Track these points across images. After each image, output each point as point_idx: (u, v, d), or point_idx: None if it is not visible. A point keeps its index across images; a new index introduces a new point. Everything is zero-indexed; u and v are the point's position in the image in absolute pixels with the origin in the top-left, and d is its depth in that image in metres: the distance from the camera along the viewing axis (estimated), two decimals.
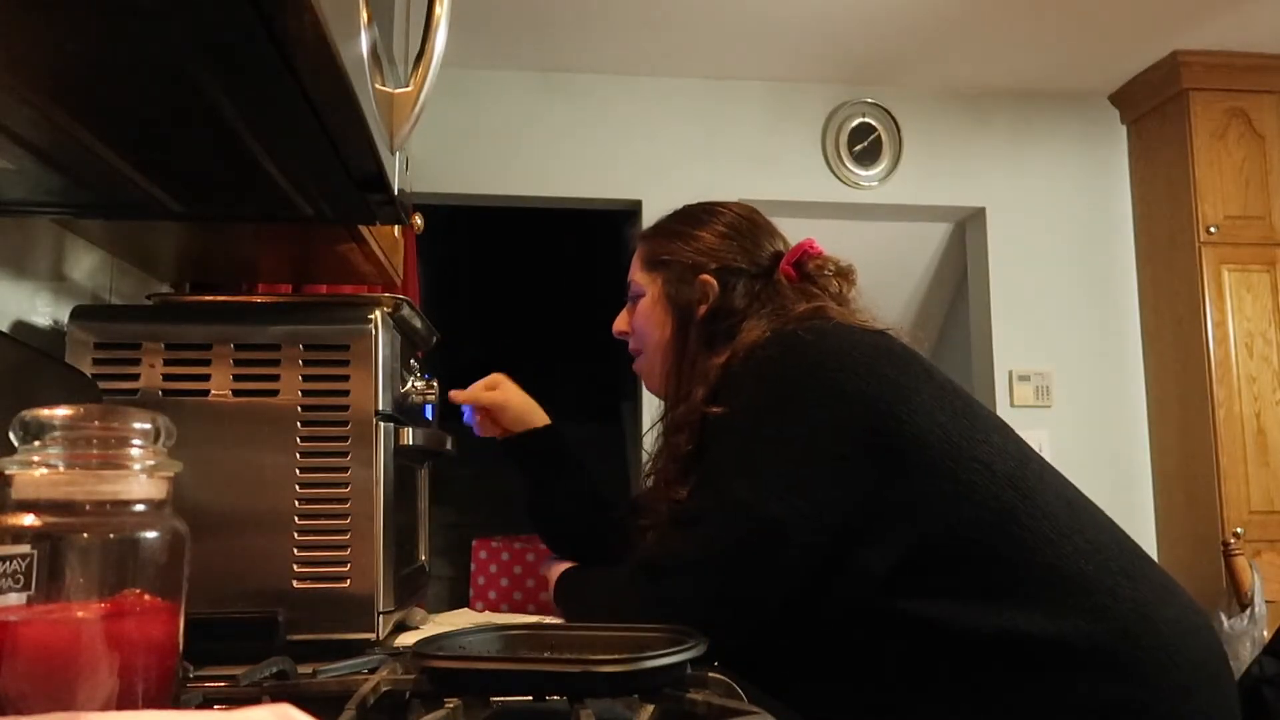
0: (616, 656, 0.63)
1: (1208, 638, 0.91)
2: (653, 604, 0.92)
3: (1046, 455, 1.06)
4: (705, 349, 1.10)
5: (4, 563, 0.47)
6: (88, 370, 1.04)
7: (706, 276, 1.14)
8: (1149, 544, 3.53)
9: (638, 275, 1.22)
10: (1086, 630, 0.85)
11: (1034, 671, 0.85)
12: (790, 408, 0.94)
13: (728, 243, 1.17)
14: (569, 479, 1.41)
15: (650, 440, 1.23)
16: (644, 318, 1.20)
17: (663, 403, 1.20)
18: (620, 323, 1.26)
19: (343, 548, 1.04)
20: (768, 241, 1.18)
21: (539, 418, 1.40)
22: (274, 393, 1.07)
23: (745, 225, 1.19)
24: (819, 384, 0.94)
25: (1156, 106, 3.55)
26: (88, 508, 0.50)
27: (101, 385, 1.02)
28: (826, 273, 1.14)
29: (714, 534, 0.93)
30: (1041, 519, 0.90)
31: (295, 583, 1.03)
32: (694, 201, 1.25)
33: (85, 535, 0.49)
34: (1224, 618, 2.74)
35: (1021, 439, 1.01)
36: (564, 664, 0.64)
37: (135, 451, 0.52)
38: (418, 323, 1.28)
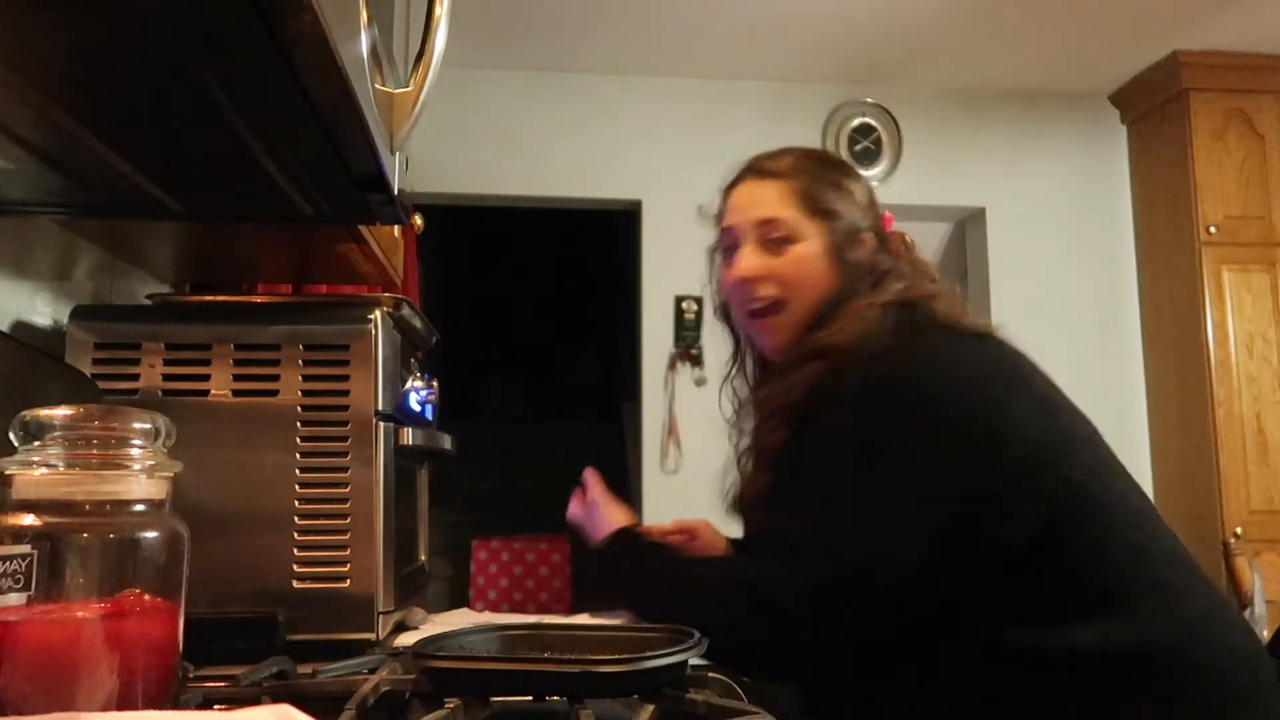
0: (616, 656, 0.63)
1: (1267, 670, 0.90)
2: (755, 629, 0.91)
3: None
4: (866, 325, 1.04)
5: (4, 563, 0.47)
6: (88, 370, 1.04)
7: (866, 237, 1.08)
8: None
9: (790, 215, 1.07)
10: (1143, 650, 0.85)
11: (1090, 687, 0.85)
12: (891, 441, 0.92)
13: (871, 203, 1.11)
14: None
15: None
16: (806, 265, 1.06)
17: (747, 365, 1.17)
18: (755, 265, 1.08)
19: (343, 548, 1.04)
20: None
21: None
22: (274, 393, 1.07)
23: (868, 187, 1.14)
24: (920, 419, 0.92)
25: (1156, 106, 3.55)
26: (88, 508, 0.50)
27: (101, 385, 1.02)
28: (906, 243, 1.13)
29: (816, 567, 0.90)
30: (1111, 534, 0.90)
31: (295, 583, 1.03)
32: (805, 147, 1.16)
33: (85, 535, 0.49)
34: None
35: (1106, 448, 1.00)
36: (564, 664, 0.64)
37: (135, 451, 0.52)
38: (418, 323, 1.28)
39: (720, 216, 1.15)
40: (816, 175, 1.10)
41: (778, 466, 1.00)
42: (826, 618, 0.90)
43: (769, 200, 1.08)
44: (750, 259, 1.07)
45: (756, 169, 1.13)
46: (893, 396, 0.93)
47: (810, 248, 1.06)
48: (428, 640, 0.71)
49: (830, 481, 0.93)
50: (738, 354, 1.21)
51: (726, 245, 1.12)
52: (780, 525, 0.96)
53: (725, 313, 1.20)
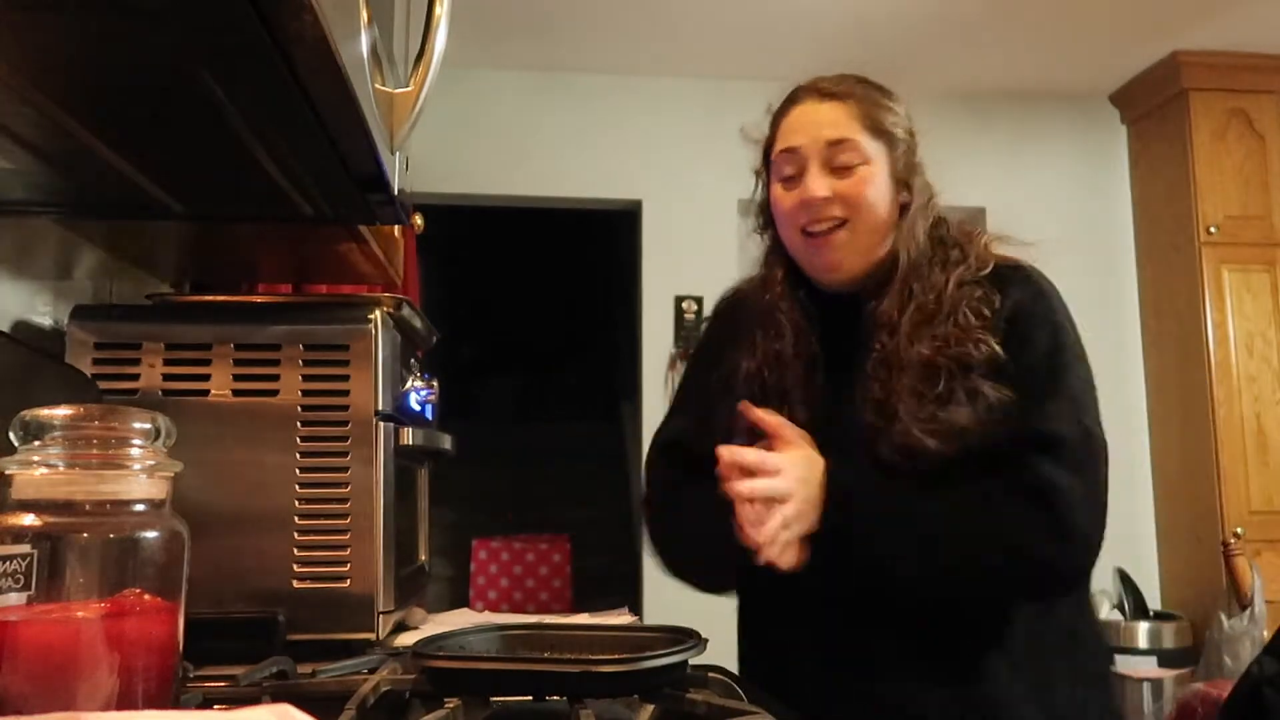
0: (616, 656, 0.63)
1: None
2: (1064, 536, 0.95)
3: None
4: (923, 238, 1.08)
5: (4, 563, 0.47)
6: (88, 370, 1.04)
7: (918, 161, 1.12)
8: (1149, 544, 3.53)
9: (857, 135, 1.06)
10: None
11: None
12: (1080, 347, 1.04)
13: (912, 130, 1.13)
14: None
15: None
16: (872, 187, 1.06)
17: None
18: (822, 186, 1.06)
19: (343, 548, 1.04)
20: None
21: None
22: (274, 393, 1.07)
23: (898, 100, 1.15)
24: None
25: (1156, 106, 3.55)
26: (88, 508, 0.50)
27: (101, 385, 1.02)
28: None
29: (1091, 461, 0.98)
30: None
31: (295, 583, 1.03)
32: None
33: (85, 535, 0.49)
34: (1224, 618, 2.74)
35: None
36: (564, 664, 0.64)
37: (135, 451, 0.52)
38: (418, 323, 1.28)
39: (773, 138, 1.12)
40: (875, 99, 1.10)
41: (962, 373, 0.98)
42: (1104, 508, 0.98)
43: (837, 121, 1.07)
44: (820, 180, 1.05)
45: (818, 90, 1.10)
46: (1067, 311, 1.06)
47: (875, 170, 1.06)
48: (428, 640, 0.71)
49: (1076, 379, 1.00)
50: (769, 275, 1.16)
51: (786, 167, 1.08)
52: (1043, 427, 0.96)
53: (771, 231, 1.16)
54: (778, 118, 1.13)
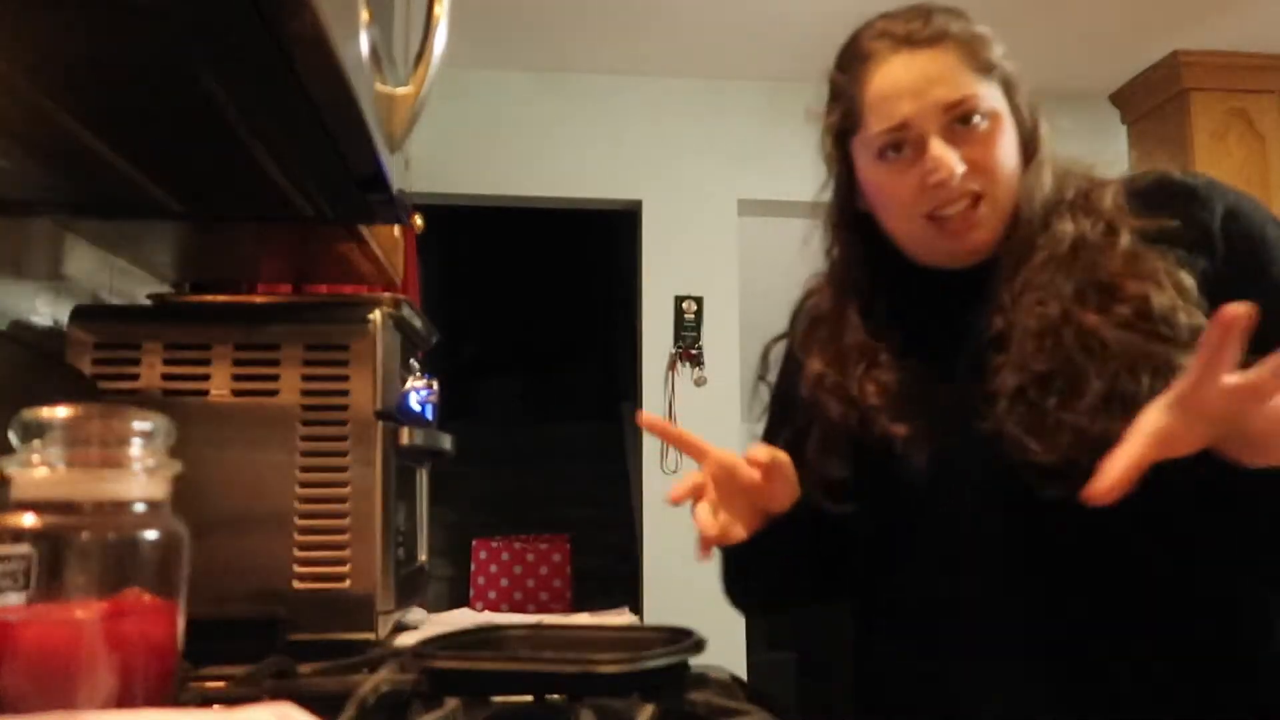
0: (616, 656, 0.63)
1: None
2: None
3: None
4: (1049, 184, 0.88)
5: (4, 563, 0.47)
6: (88, 370, 1.04)
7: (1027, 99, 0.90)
8: None
9: (974, 87, 0.84)
10: None
11: None
12: None
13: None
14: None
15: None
16: (1006, 144, 0.86)
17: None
18: (955, 160, 0.83)
19: (343, 548, 1.04)
20: None
21: None
22: (274, 393, 1.07)
23: None
24: None
25: (1156, 106, 3.55)
26: (88, 508, 0.50)
27: (101, 385, 1.02)
28: None
29: None
30: None
31: (295, 583, 1.03)
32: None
33: (85, 535, 0.49)
34: None
35: None
36: (564, 664, 0.64)
37: (135, 451, 0.52)
38: (418, 323, 1.28)
39: (855, 113, 0.88)
40: (968, 28, 0.89)
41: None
42: None
43: (944, 75, 0.84)
44: (947, 153, 0.82)
45: (908, 39, 0.85)
46: None
47: (1003, 123, 0.86)
48: (428, 640, 0.71)
49: None
50: (849, 272, 0.95)
51: (888, 147, 0.85)
52: None
53: (850, 232, 0.95)
54: (854, 86, 0.88)
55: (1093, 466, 0.66)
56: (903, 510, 0.88)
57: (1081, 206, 0.86)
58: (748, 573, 0.96)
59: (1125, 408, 0.71)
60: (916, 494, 0.86)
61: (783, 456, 0.85)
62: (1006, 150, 0.86)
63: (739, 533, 0.86)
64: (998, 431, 0.78)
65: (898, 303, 0.92)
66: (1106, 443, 0.67)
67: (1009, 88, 0.88)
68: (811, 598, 1.03)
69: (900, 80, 0.85)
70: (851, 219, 0.94)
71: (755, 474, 0.84)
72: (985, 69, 0.86)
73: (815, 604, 1.04)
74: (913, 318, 0.91)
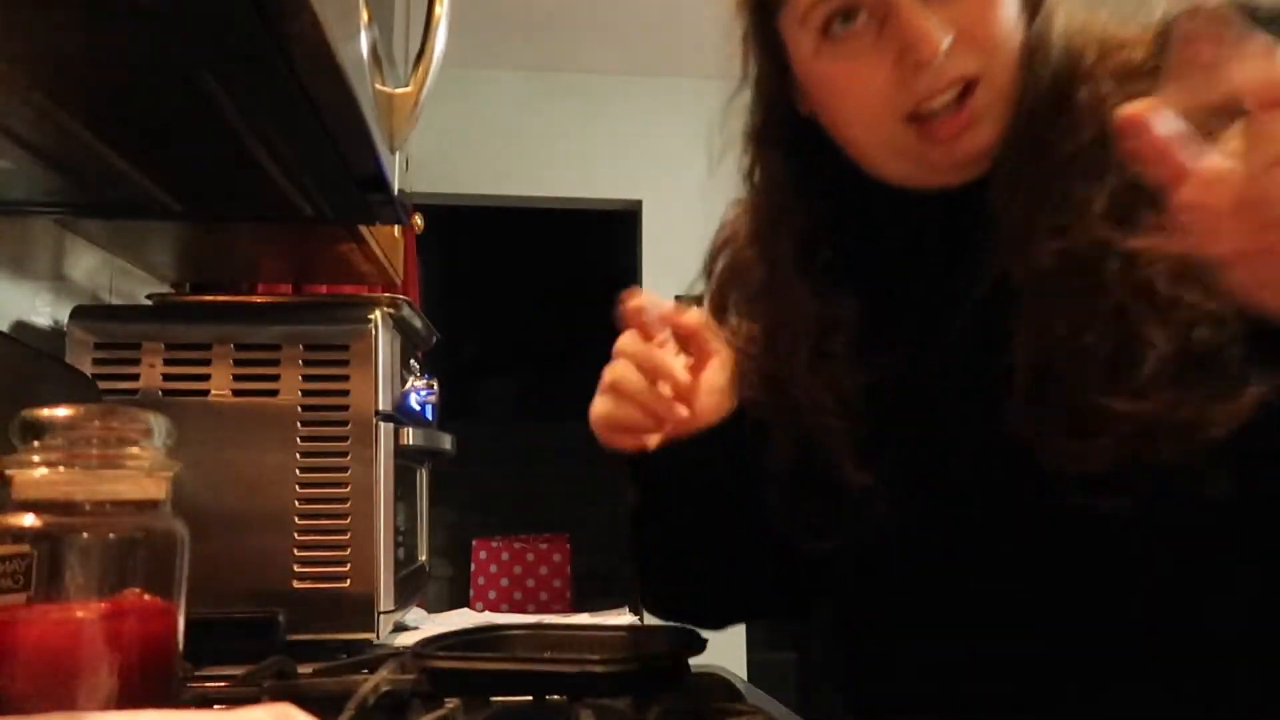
0: (616, 656, 0.63)
1: None
2: None
3: None
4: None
5: (4, 563, 0.47)
6: (88, 370, 1.04)
7: None
8: None
9: None
10: None
11: None
12: None
13: None
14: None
15: None
16: (1000, 4, 0.58)
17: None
18: (934, 27, 0.56)
19: (343, 548, 1.04)
20: None
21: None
22: (274, 393, 1.07)
23: None
24: None
25: None
26: (88, 508, 0.50)
27: (101, 385, 1.02)
28: None
29: None
30: None
31: (295, 583, 1.03)
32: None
33: (85, 535, 0.49)
34: None
35: None
36: (564, 664, 0.64)
37: (135, 451, 0.52)
38: (418, 323, 1.28)
39: None
40: None
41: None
42: None
43: None
44: (925, 18, 0.56)
45: None
46: None
47: None
48: (428, 640, 0.71)
49: None
50: (781, 204, 0.72)
51: (832, 19, 0.60)
52: None
53: (790, 133, 0.71)
54: None
55: (1166, 464, 0.49)
56: (882, 558, 0.65)
57: (1114, 72, 0.58)
58: (666, 540, 0.73)
59: (1206, 371, 0.50)
60: (897, 546, 0.63)
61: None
62: (1006, 7, 0.59)
63: (682, 412, 0.65)
64: (1018, 436, 0.56)
65: (851, 247, 0.67)
66: (1183, 429, 0.50)
67: None
68: (755, 594, 0.77)
69: None
70: (786, 128, 0.70)
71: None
72: None
73: (762, 611, 0.84)
74: (876, 268, 0.67)
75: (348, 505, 1.05)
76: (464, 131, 3.46)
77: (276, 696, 0.63)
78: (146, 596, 0.51)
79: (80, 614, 0.48)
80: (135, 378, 1.06)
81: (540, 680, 0.64)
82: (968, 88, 0.59)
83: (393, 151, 0.84)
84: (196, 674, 0.74)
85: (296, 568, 1.03)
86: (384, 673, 0.68)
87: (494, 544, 3.95)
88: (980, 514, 0.60)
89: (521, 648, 0.76)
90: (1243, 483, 0.48)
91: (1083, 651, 0.58)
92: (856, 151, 0.65)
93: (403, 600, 1.15)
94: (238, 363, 1.07)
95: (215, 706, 0.63)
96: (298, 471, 1.05)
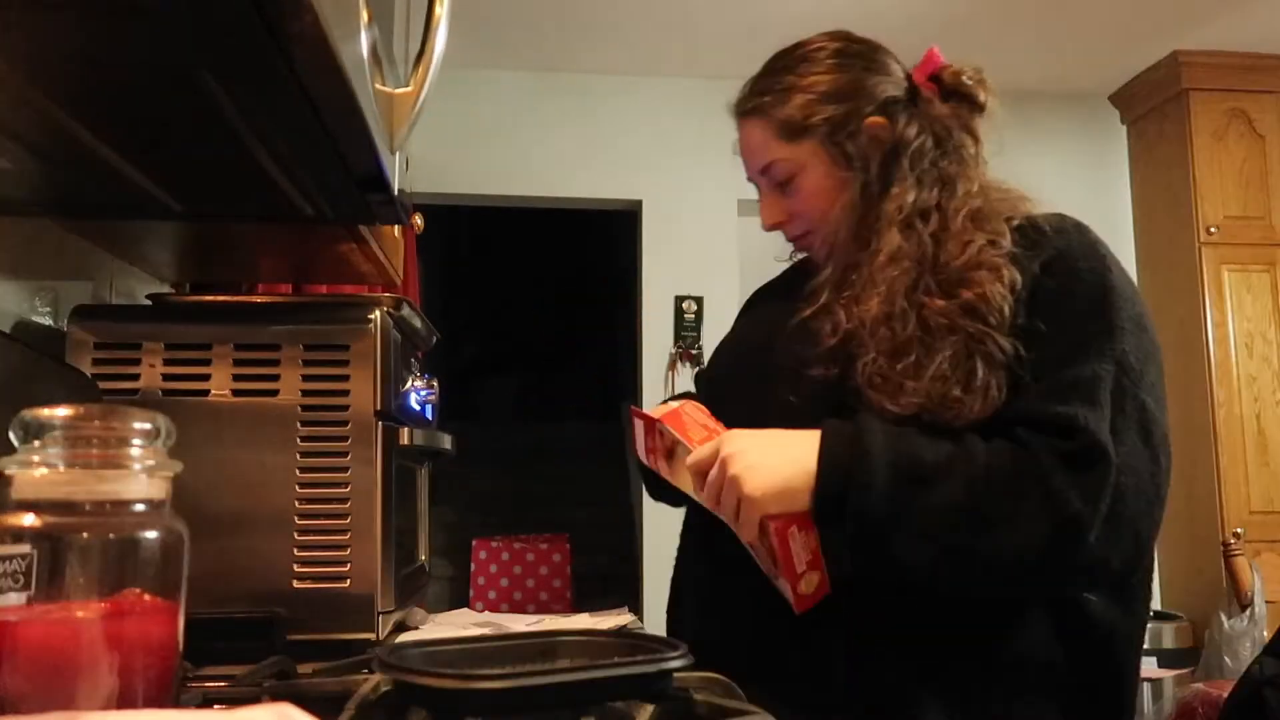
0: (617, 659, 0.62)
1: None
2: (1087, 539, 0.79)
3: None
4: (913, 191, 0.96)
5: (4, 563, 0.47)
6: (88, 370, 1.04)
7: (874, 120, 0.99)
8: None
9: (778, 152, 1.01)
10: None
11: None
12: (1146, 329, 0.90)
13: (864, 75, 1.03)
14: None
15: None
16: (814, 195, 1.00)
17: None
18: (773, 214, 1.04)
19: (343, 548, 1.04)
20: (887, 59, 1.08)
21: None
22: (274, 393, 1.07)
23: (857, 50, 1.08)
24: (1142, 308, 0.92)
25: (1156, 106, 3.55)
26: (88, 508, 0.50)
27: (101, 385, 1.02)
28: (968, 81, 1.05)
29: (1147, 465, 0.82)
30: None
31: (295, 583, 1.03)
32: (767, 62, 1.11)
33: (85, 535, 0.49)
34: (1224, 618, 2.74)
35: None
36: (574, 672, 0.64)
37: (135, 451, 0.52)
38: (418, 323, 1.28)
39: None
40: (798, 89, 1.02)
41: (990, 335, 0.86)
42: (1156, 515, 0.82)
43: (758, 146, 1.04)
44: (766, 210, 1.05)
45: (741, 109, 1.07)
46: (1128, 282, 0.99)
47: (813, 177, 1.00)
48: (400, 646, 0.69)
49: (1125, 359, 0.85)
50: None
51: (757, 189, 1.08)
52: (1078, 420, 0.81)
53: None
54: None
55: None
56: None
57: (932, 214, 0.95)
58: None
59: (968, 375, 0.84)
60: None
61: None
62: (820, 200, 1.00)
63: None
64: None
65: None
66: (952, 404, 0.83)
67: (821, 137, 0.99)
68: None
69: (740, 143, 1.07)
70: None
71: None
72: (791, 132, 1.00)
73: None
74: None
75: (347, 505, 1.05)
76: (464, 131, 3.46)
77: (276, 696, 0.63)
78: (146, 596, 0.51)
79: (80, 614, 0.48)
80: (135, 378, 1.06)
81: (545, 694, 0.63)
82: (806, 236, 1.04)
83: (393, 151, 0.84)
84: (196, 674, 0.74)
85: (296, 568, 1.03)
86: (384, 673, 0.68)
87: (494, 544, 3.94)
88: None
89: (509, 659, 0.74)
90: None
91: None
92: None
93: (403, 600, 1.15)
94: (238, 363, 1.07)
95: (215, 706, 0.63)
96: (298, 471, 1.05)
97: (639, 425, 1.01)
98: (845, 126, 0.99)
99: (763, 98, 1.04)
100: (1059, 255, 0.90)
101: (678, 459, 0.93)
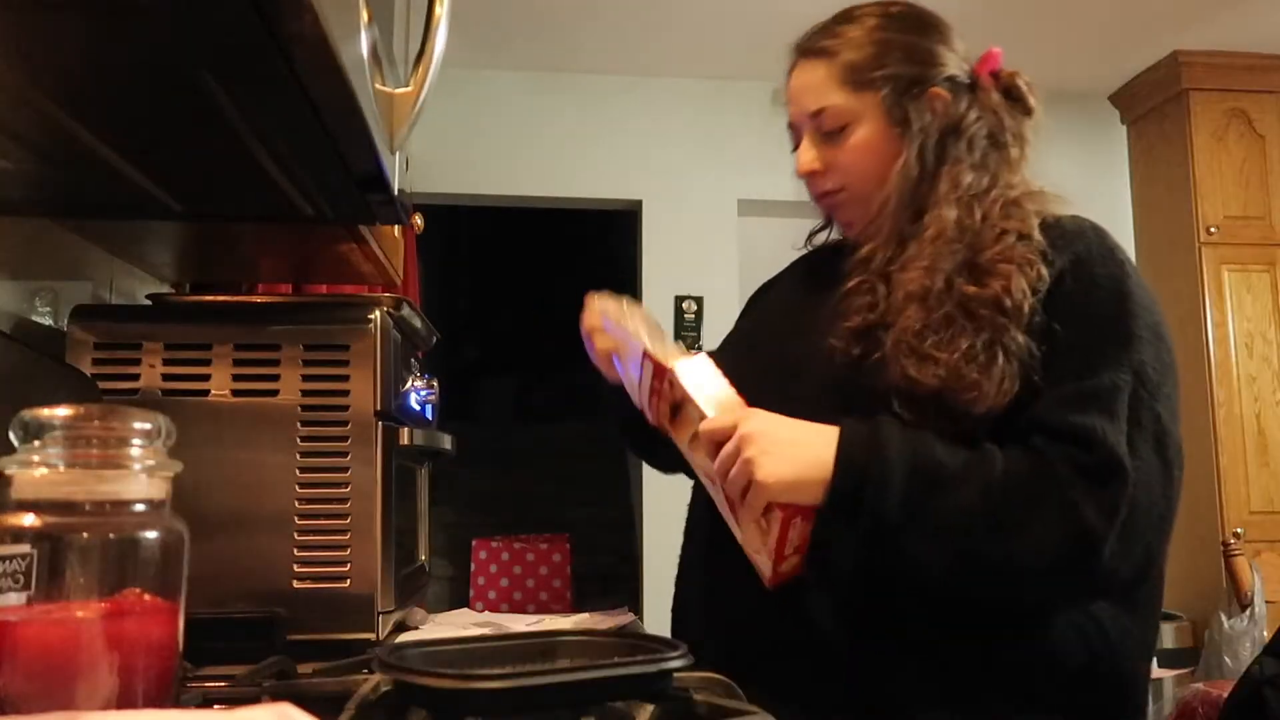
0: (617, 659, 0.62)
1: None
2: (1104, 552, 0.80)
3: None
4: (970, 174, 0.95)
5: (4, 563, 0.47)
6: (88, 370, 1.04)
7: (939, 90, 0.97)
8: None
9: (837, 98, 0.98)
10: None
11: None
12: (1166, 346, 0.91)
13: (938, 45, 1.00)
14: None
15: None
16: (862, 150, 0.98)
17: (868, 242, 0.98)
18: (812, 160, 1.00)
19: (343, 548, 1.04)
20: (957, 41, 1.04)
21: None
22: (274, 393, 1.07)
23: (933, 21, 1.04)
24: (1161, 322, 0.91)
25: (1156, 106, 3.55)
26: (88, 508, 0.50)
27: (101, 385, 1.02)
28: (1022, 85, 1.03)
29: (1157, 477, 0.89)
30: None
31: (295, 583, 1.03)
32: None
33: (85, 535, 0.49)
34: (1224, 618, 2.74)
35: None
36: (574, 672, 0.63)
37: (135, 451, 0.52)
38: (418, 323, 1.28)
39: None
40: (871, 39, 1.00)
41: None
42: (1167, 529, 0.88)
43: (815, 87, 1.00)
44: (806, 153, 1.01)
45: (805, 48, 1.03)
46: (1150, 297, 0.94)
47: (866, 131, 0.98)
48: (400, 646, 0.69)
49: (1140, 367, 0.89)
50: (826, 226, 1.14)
51: (793, 135, 1.05)
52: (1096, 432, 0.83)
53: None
54: (786, 79, 1.07)
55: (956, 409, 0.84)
56: None
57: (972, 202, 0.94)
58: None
59: (988, 363, 0.84)
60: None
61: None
62: (866, 158, 0.98)
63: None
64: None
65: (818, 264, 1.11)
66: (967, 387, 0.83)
67: (885, 94, 0.97)
68: None
69: (792, 85, 1.04)
70: None
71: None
72: (857, 81, 0.98)
73: None
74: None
75: (347, 505, 1.05)
76: (464, 131, 3.46)
77: (276, 696, 0.63)
78: (146, 596, 0.51)
79: (80, 614, 0.48)
80: (135, 378, 1.06)
81: (545, 694, 0.63)
82: (836, 192, 1.01)
83: (393, 151, 0.84)
84: (196, 674, 0.74)
85: (296, 568, 1.03)
86: (383, 673, 0.68)
87: (494, 544, 3.94)
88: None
89: (513, 659, 0.74)
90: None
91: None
92: None
93: (403, 600, 1.15)
94: (238, 363, 1.07)
95: (215, 706, 0.63)
96: (298, 471, 1.05)
97: (646, 366, 0.97)
98: (911, 89, 0.97)
99: (834, 39, 1.01)
100: (1077, 259, 0.89)
101: (685, 414, 0.92)
